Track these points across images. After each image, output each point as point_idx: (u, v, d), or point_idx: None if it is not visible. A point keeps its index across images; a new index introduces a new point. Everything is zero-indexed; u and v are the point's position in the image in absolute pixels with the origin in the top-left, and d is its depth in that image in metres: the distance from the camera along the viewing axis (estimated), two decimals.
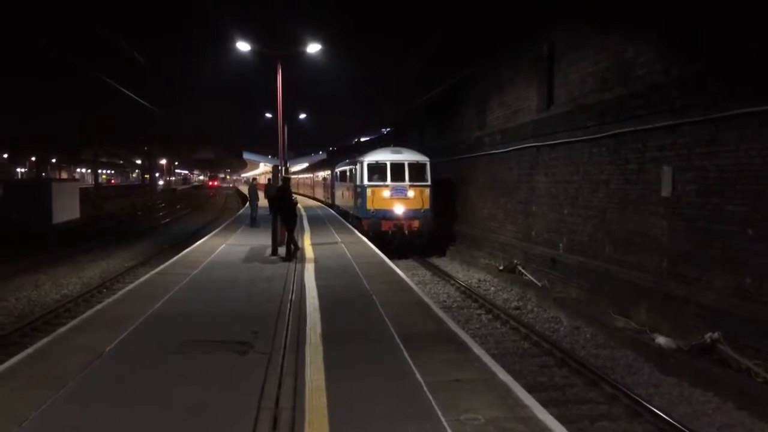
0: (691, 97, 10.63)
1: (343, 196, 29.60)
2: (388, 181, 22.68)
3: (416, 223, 22.25)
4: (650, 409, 7.83)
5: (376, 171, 23.01)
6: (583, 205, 14.61)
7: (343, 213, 29.04)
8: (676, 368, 9.41)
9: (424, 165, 23.25)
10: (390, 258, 15.35)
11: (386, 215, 22.25)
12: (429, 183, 23.08)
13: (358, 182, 23.77)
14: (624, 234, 12.87)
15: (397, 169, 22.81)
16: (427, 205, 22.72)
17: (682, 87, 10.89)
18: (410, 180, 22.73)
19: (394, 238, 21.79)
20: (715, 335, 9.43)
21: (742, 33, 9.60)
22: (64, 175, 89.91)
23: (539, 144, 16.97)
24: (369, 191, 22.70)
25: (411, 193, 22.60)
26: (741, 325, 9.20)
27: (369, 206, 22.58)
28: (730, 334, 9.32)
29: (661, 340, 10.35)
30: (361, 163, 23.34)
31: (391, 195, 22.50)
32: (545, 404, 5.72)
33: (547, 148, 16.58)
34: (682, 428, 7.20)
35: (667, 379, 9.27)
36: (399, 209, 22.33)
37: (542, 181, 17.00)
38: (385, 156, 23.33)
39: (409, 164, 22.95)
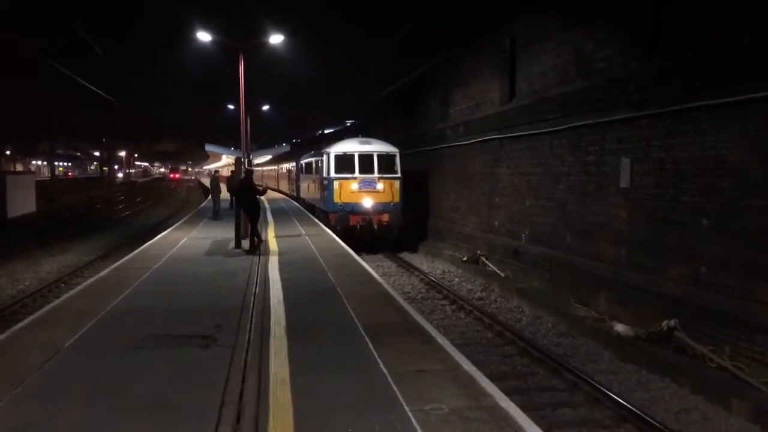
0: (649, 91, 10.85)
1: (308, 189, 28.74)
2: (357, 174, 21.84)
3: (386, 217, 21.50)
4: (609, 395, 8.02)
5: (344, 162, 22.07)
6: (545, 197, 14.82)
7: (309, 206, 28.12)
8: (634, 355, 9.65)
9: (393, 156, 22.50)
10: (358, 253, 15.09)
11: (354, 209, 21.43)
12: (399, 175, 22.35)
13: (324, 174, 22.73)
14: (584, 225, 13.10)
15: (366, 161, 21.98)
16: (397, 198, 21.99)
17: (640, 81, 11.11)
18: (379, 172, 21.93)
19: (362, 233, 21.08)
20: (672, 323, 9.69)
21: (701, 30, 9.82)
22: (20, 168, 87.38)
23: (502, 136, 17.13)
24: (336, 184, 21.83)
25: (380, 186, 21.80)
26: (696, 312, 9.47)
27: (336, 199, 21.70)
28: (686, 321, 9.58)
29: (620, 328, 10.58)
30: (328, 154, 22.46)
31: (360, 188, 21.69)
32: (508, 393, 5.81)
33: (509, 140, 16.75)
34: (640, 414, 7.39)
35: (626, 366, 9.50)
36: (368, 203, 21.53)
37: (505, 172, 17.17)
38: (352, 147, 22.44)
39: (378, 155, 22.12)
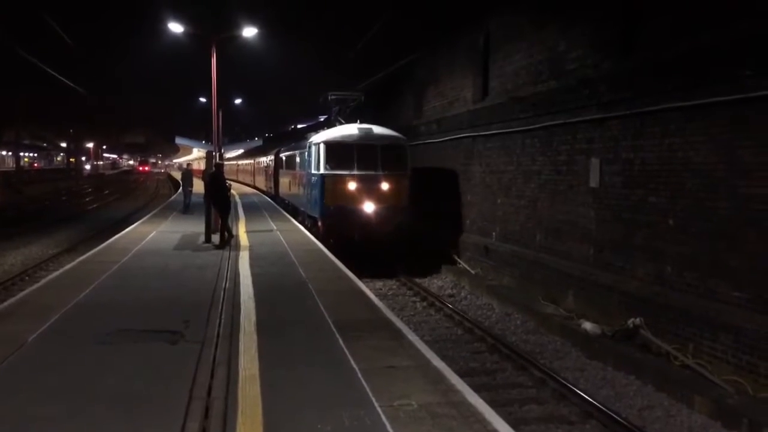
0: (619, 92, 10.99)
1: (290, 187, 23.98)
2: (355, 170, 16.97)
3: (391, 225, 16.79)
4: (576, 392, 8.13)
5: (338, 155, 17.19)
6: (516, 195, 14.95)
7: (292, 208, 23.51)
8: (600, 353, 9.81)
9: (402, 147, 17.80)
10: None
11: (352, 215, 16.65)
12: (407, 171, 17.71)
13: (313, 170, 17.99)
14: (554, 223, 13.25)
15: (367, 153, 17.10)
16: (405, 201, 17.30)
17: (610, 82, 11.26)
18: (384, 168, 17.05)
19: (362, 246, 16.37)
20: (638, 321, 9.85)
21: (668, 31, 9.98)
22: None
23: (475, 134, 17.22)
24: (327, 182, 17.03)
25: (385, 186, 16.92)
26: (661, 311, 9.64)
27: (328, 202, 17.00)
28: (651, 319, 9.75)
29: (587, 325, 10.72)
30: (317, 144, 17.66)
31: (359, 187, 16.83)
32: (477, 389, 5.85)
33: (482, 138, 16.85)
34: (605, 410, 7.51)
35: (592, 364, 9.65)
36: (369, 207, 16.72)
37: (477, 170, 17.27)
38: (350, 135, 17.47)
39: (383, 147, 17.29)
